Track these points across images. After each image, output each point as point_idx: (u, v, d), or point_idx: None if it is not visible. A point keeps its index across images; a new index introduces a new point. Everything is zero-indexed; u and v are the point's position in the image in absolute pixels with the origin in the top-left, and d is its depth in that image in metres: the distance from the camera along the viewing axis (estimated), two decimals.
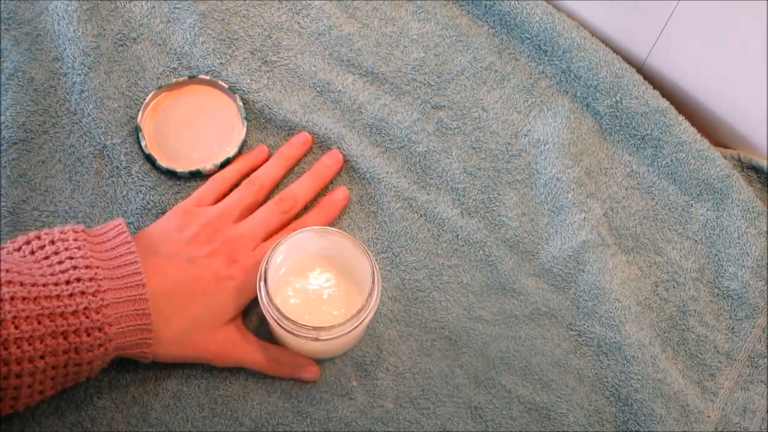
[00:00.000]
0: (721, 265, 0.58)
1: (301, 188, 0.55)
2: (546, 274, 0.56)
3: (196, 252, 0.50)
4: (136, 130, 0.57)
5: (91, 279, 0.44)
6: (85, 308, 0.43)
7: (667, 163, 0.60)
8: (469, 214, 0.58)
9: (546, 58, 0.62)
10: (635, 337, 0.54)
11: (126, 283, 0.45)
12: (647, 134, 0.60)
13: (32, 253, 0.45)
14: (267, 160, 0.57)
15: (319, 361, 0.52)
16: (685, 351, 0.55)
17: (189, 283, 0.48)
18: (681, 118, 0.60)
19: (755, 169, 0.61)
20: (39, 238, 0.46)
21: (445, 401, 0.52)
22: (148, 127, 0.58)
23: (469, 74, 0.62)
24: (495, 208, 0.58)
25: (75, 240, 0.45)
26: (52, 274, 0.43)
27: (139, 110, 0.58)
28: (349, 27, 0.62)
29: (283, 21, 0.62)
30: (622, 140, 0.61)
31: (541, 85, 0.62)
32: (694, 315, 0.56)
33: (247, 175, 0.56)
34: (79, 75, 0.58)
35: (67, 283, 0.43)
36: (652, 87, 0.61)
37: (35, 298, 0.42)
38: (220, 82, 0.59)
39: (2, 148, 0.55)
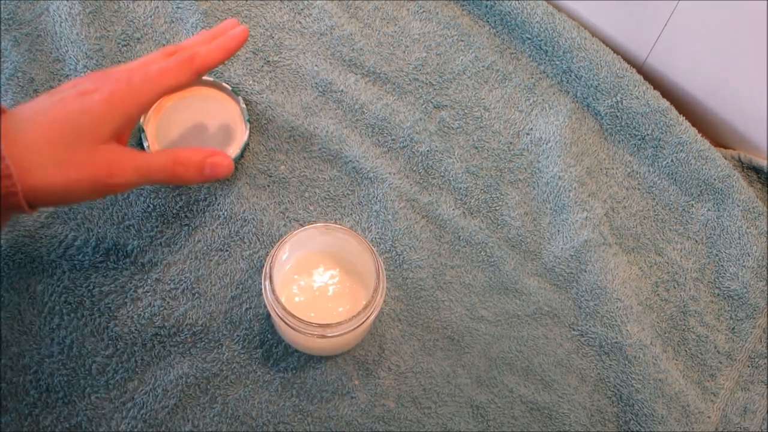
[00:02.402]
0: (722, 266, 0.58)
1: (189, 40, 0.51)
2: (548, 273, 0.56)
3: (68, 85, 0.46)
4: (139, 131, 0.57)
5: None
6: None
7: (667, 163, 0.60)
8: (472, 213, 0.58)
9: (547, 58, 0.62)
10: (636, 338, 0.54)
11: None
12: (648, 134, 0.60)
13: None
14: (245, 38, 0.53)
15: (320, 359, 0.52)
16: (686, 351, 0.55)
17: (52, 106, 0.43)
18: (681, 118, 0.60)
19: (755, 170, 0.61)
20: None
21: (447, 401, 0.52)
22: (151, 127, 0.58)
23: (470, 74, 0.62)
24: (497, 208, 0.58)
25: None
26: None
27: None
28: (351, 27, 0.63)
29: (285, 21, 0.62)
30: (622, 140, 0.61)
31: (542, 84, 0.62)
32: (694, 315, 0.56)
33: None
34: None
35: None
36: (652, 87, 0.61)
37: None
38: (223, 83, 0.59)
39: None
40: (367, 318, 0.47)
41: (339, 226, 0.49)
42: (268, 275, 0.47)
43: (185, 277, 0.53)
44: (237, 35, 0.50)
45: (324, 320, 0.46)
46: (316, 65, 0.61)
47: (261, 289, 0.48)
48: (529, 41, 0.63)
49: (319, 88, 0.60)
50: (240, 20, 0.62)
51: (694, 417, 0.53)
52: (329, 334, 0.46)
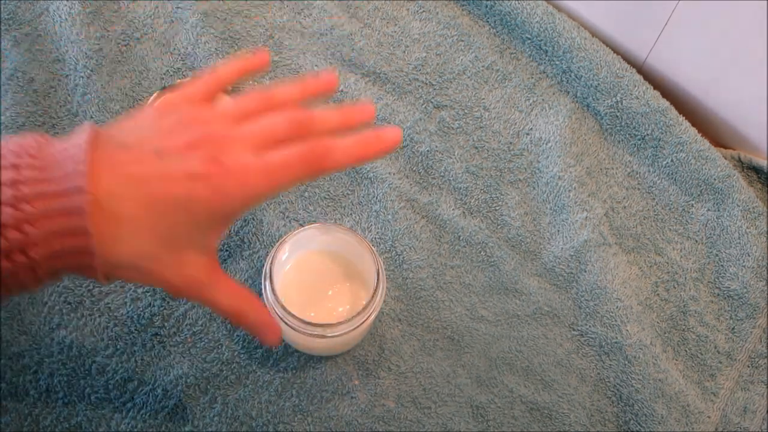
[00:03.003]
0: (722, 266, 0.58)
1: (322, 113, 0.41)
2: (548, 273, 0.56)
3: (168, 142, 0.36)
4: None
5: (13, 183, 0.32)
6: (1, 224, 0.31)
7: (667, 163, 0.60)
8: (472, 213, 0.58)
9: (547, 58, 0.62)
10: (636, 337, 0.54)
11: (61, 188, 0.33)
12: (648, 134, 0.60)
13: None
14: (268, 64, 0.46)
15: (320, 359, 0.52)
16: (686, 351, 0.55)
17: (150, 182, 0.35)
18: (681, 118, 0.60)
19: (755, 170, 0.61)
20: None
21: (447, 401, 0.52)
22: None
23: (470, 74, 0.62)
24: (497, 208, 0.58)
25: (21, 139, 0.34)
26: None
27: None
28: (351, 27, 0.63)
29: (285, 21, 0.62)
30: (622, 140, 0.61)
31: (542, 84, 0.62)
32: (694, 315, 0.56)
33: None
34: (82, 77, 0.58)
35: None
36: (652, 87, 0.61)
37: None
38: None
39: None
40: (367, 318, 0.47)
41: (339, 226, 0.49)
42: (267, 275, 0.47)
43: None
44: (388, 139, 0.40)
45: (324, 320, 0.46)
46: (315, 65, 0.61)
47: (261, 289, 0.48)
48: (529, 41, 0.63)
49: None
50: (240, 20, 0.62)
51: (694, 417, 0.53)
52: (329, 334, 0.46)
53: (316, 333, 0.46)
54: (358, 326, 0.46)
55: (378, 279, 0.47)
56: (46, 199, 0.32)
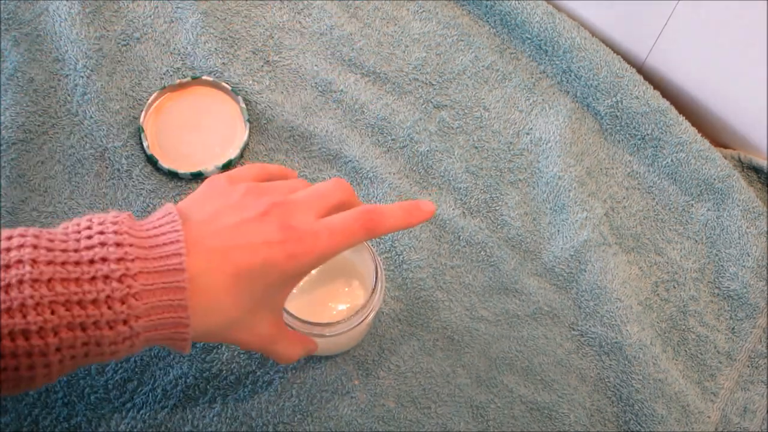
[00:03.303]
0: (722, 266, 0.58)
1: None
2: (548, 273, 0.56)
3: (243, 214, 0.40)
4: (139, 131, 0.57)
5: (119, 260, 0.36)
6: (108, 297, 0.35)
7: (667, 163, 0.60)
8: (472, 213, 0.58)
9: (547, 58, 0.62)
10: (636, 338, 0.54)
11: (162, 265, 0.37)
12: (648, 134, 0.60)
13: (65, 234, 0.37)
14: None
15: (320, 359, 0.52)
16: (686, 351, 0.55)
17: (233, 253, 0.39)
18: (681, 118, 0.60)
19: (755, 170, 0.61)
20: (78, 224, 0.38)
21: (447, 401, 0.52)
22: (151, 127, 0.58)
23: (470, 74, 0.62)
24: (497, 208, 0.58)
25: (114, 219, 0.38)
26: (75, 250, 0.36)
27: (142, 110, 0.58)
28: (351, 27, 0.63)
29: (284, 21, 0.62)
30: (622, 140, 0.61)
31: (542, 84, 0.62)
32: (694, 315, 0.56)
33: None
34: (82, 77, 0.58)
35: (91, 263, 0.35)
36: (652, 87, 0.61)
37: (49, 281, 0.34)
38: (223, 83, 0.59)
39: (2, 148, 0.55)
40: (366, 317, 0.47)
41: None
42: None
43: None
44: (427, 211, 0.44)
45: (323, 320, 0.46)
46: (316, 65, 0.61)
47: None
48: (529, 41, 0.63)
49: (319, 88, 0.60)
50: (240, 20, 0.62)
51: (693, 417, 0.53)
52: (328, 334, 0.46)
53: (315, 333, 0.46)
54: (357, 325, 0.46)
55: (377, 278, 0.47)
56: (149, 276, 0.36)
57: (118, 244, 0.36)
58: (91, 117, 0.57)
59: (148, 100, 0.58)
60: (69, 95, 0.58)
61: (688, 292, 0.57)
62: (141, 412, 0.50)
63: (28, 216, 0.54)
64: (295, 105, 0.59)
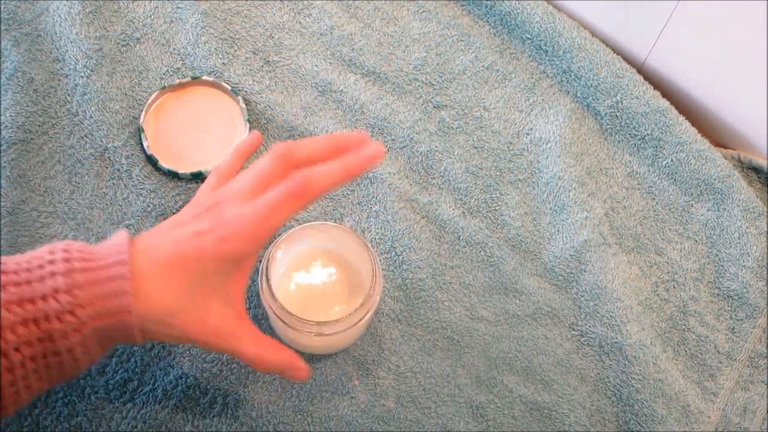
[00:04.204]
0: (722, 266, 0.58)
1: (309, 147, 0.45)
2: (548, 273, 0.56)
3: (181, 218, 0.44)
4: (139, 131, 0.57)
5: (65, 260, 0.40)
6: (55, 290, 0.38)
7: (667, 163, 0.60)
8: (472, 214, 0.58)
9: (547, 58, 0.62)
10: (636, 338, 0.54)
11: (104, 264, 0.40)
12: (648, 134, 0.60)
13: (17, 263, 0.41)
14: (260, 141, 0.52)
15: (320, 358, 0.52)
16: (686, 351, 0.55)
17: (165, 245, 0.42)
18: (681, 118, 0.60)
19: (755, 170, 0.61)
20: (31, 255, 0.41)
21: (447, 401, 0.52)
22: (151, 127, 0.58)
23: (470, 74, 0.62)
24: (497, 208, 0.58)
25: (65, 245, 0.41)
26: (28, 270, 0.39)
27: (141, 110, 0.58)
28: (351, 27, 0.63)
29: (284, 21, 0.62)
30: (622, 140, 0.61)
31: (542, 84, 0.62)
32: (694, 315, 0.56)
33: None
34: (82, 77, 0.58)
35: (40, 267, 0.39)
36: (652, 87, 0.61)
37: (4, 286, 0.38)
38: (223, 83, 0.59)
39: (2, 148, 0.55)
40: (364, 315, 0.47)
41: (336, 224, 0.49)
42: (264, 274, 0.47)
43: None
44: (367, 157, 0.43)
45: (321, 318, 0.46)
46: (315, 65, 0.61)
47: (258, 288, 0.48)
48: (529, 41, 0.63)
49: (319, 88, 0.60)
50: (240, 20, 0.62)
51: (694, 417, 0.53)
52: (326, 332, 0.46)
53: (313, 331, 0.46)
54: (355, 323, 0.46)
55: (374, 275, 0.47)
56: (92, 273, 0.40)
57: (65, 259, 0.40)
58: (91, 117, 0.57)
59: (148, 100, 0.58)
60: (69, 95, 0.58)
61: (688, 292, 0.57)
62: (141, 412, 0.50)
63: (28, 216, 0.54)
64: (295, 105, 0.60)
